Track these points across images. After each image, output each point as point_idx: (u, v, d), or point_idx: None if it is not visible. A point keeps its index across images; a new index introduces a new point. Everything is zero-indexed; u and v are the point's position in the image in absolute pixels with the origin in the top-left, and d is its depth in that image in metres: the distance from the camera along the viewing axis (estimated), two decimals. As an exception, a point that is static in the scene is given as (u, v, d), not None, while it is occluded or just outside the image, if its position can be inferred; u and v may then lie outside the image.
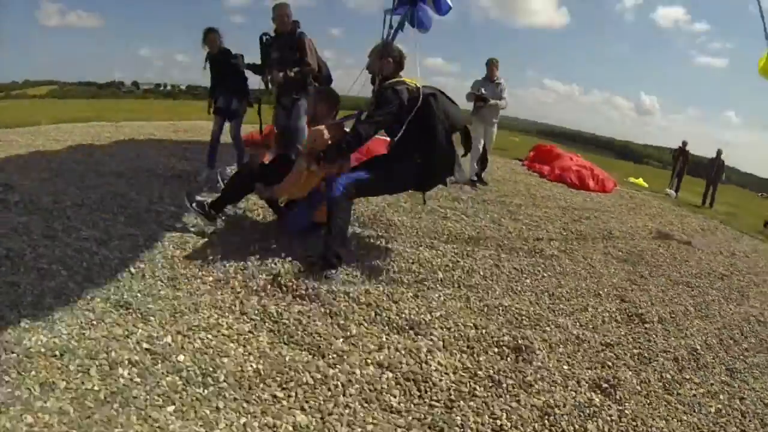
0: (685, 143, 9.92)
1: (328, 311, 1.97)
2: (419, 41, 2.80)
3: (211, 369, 1.53)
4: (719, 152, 9.05)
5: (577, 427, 1.55)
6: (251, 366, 1.58)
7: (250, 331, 1.79)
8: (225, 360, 1.59)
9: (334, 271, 2.24)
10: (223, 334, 1.74)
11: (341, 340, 1.81)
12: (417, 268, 2.55)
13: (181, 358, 1.55)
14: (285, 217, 2.72)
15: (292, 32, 3.48)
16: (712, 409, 1.86)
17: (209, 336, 1.71)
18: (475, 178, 4.96)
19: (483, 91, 4.91)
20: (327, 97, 2.73)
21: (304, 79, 3.46)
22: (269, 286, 2.11)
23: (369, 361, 1.70)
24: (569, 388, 1.75)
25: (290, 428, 1.36)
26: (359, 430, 1.39)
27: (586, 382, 1.81)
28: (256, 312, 1.91)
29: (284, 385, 1.51)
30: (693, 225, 5.41)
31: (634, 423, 1.63)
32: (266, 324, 1.85)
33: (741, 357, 2.34)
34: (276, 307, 1.94)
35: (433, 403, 1.55)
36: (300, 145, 3.12)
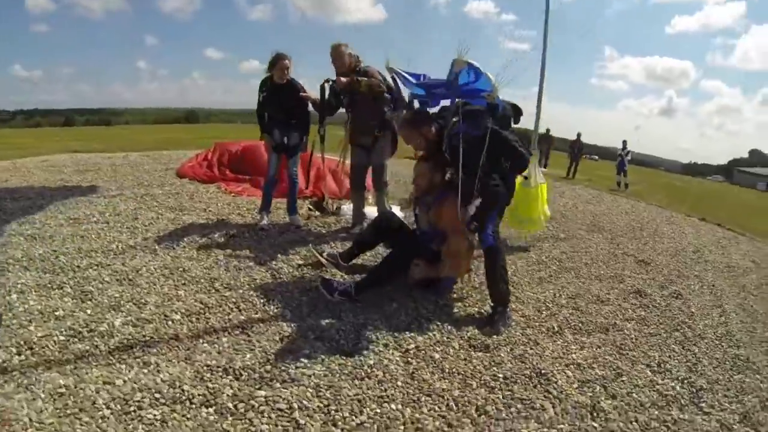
0: (548, 129, 14.06)
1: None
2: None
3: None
4: (579, 135, 13.73)
5: None
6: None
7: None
8: None
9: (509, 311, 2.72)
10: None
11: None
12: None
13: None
14: (434, 285, 2.94)
15: (354, 69, 3.57)
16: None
17: None
18: None
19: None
20: (416, 118, 2.83)
21: (377, 99, 3.55)
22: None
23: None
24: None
25: None
26: None
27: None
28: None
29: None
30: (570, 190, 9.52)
31: None
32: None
33: None
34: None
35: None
36: (384, 180, 3.81)
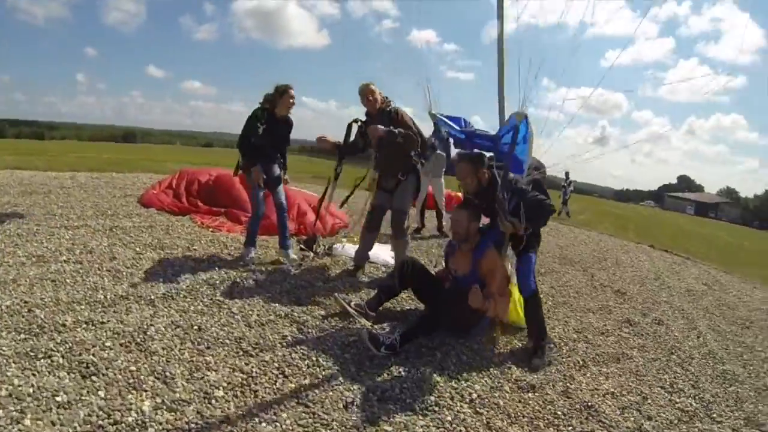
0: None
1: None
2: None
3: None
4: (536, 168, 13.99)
5: None
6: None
7: None
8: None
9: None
10: None
11: None
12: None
13: None
14: (473, 329, 3.24)
15: (384, 110, 3.80)
16: None
17: None
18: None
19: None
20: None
21: (411, 148, 3.77)
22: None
23: None
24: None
25: None
26: None
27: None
28: None
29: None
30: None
31: None
32: None
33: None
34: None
35: None
36: (404, 226, 3.97)
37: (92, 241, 4.17)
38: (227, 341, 2.69)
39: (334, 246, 4.75)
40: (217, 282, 3.57)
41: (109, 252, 3.94)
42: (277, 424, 2.05)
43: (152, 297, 3.14)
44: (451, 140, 3.42)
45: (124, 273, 3.52)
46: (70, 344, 2.37)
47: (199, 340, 2.67)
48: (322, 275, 4.12)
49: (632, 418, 2.67)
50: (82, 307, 2.86)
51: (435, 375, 2.73)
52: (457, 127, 3.28)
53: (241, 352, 2.59)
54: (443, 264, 3.60)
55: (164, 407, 2.02)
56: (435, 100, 3.02)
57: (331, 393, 2.38)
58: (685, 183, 63.06)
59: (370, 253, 4.25)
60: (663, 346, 3.97)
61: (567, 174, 14.63)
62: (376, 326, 3.19)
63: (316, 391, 2.38)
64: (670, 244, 10.15)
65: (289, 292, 3.59)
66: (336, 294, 3.35)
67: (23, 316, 2.62)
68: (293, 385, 2.39)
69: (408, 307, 3.69)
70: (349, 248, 4.67)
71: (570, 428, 2.45)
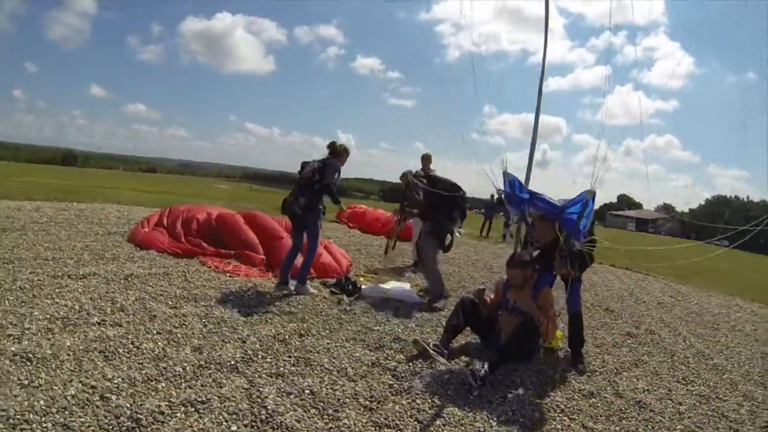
0: (463, 192, 17.07)
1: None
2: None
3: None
4: (492, 196, 15.95)
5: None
6: None
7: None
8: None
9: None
10: None
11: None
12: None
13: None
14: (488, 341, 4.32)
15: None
16: None
17: None
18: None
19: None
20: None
21: None
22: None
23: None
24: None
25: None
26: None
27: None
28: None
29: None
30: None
31: None
32: None
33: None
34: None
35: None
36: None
37: (117, 296, 4.28)
38: (346, 400, 3.03)
39: (363, 287, 5.64)
40: (286, 336, 3.95)
41: (143, 309, 4.07)
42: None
43: (232, 362, 3.30)
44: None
45: (179, 335, 3.63)
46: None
47: (322, 405, 2.92)
48: (369, 317, 4.83)
49: (670, 406, 3.76)
50: (163, 385, 2.85)
51: (528, 396, 3.60)
52: (522, 190, 4.23)
53: (362, 409, 2.97)
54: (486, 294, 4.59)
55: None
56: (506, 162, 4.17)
57: (469, 425, 3.03)
58: (625, 201, 70.47)
59: (392, 291, 5.49)
60: (663, 350, 5.24)
61: (492, 196, 16.39)
62: (451, 362, 3.97)
63: (459, 427, 2.99)
64: (627, 262, 11.95)
65: (356, 338, 4.19)
66: (416, 337, 4.05)
67: (100, 408, 2.48)
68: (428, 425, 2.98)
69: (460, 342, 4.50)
70: (372, 288, 5.57)
71: (634, 418, 3.46)
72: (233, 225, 6.54)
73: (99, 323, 3.62)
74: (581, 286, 4.44)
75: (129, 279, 4.81)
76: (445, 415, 3.08)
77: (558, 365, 4.29)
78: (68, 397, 2.50)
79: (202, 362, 3.21)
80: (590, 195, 3.73)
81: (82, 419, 2.35)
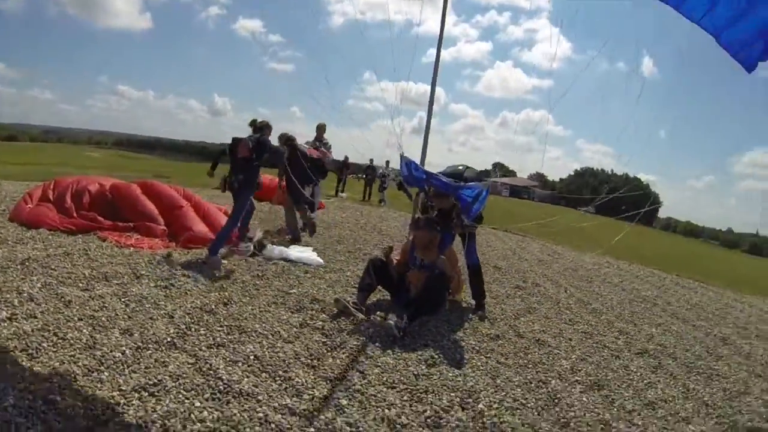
0: (347, 157, 18.42)
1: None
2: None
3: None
4: (371, 160, 17.76)
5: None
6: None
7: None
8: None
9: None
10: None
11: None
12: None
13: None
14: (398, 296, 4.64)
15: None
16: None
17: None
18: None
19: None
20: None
21: None
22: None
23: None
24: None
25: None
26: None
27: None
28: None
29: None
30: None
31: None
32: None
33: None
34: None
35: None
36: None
37: (20, 284, 3.83)
38: (289, 360, 3.21)
39: (267, 249, 5.87)
40: (212, 306, 3.95)
41: (55, 295, 3.73)
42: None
43: (168, 339, 3.25)
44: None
45: (103, 319, 3.40)
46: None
47: (270, 368, 3.06)
48: (281, 281, 4.96)
49: (563, 341, 4.43)
50: (106, 374, 2.72)
51: (444, 340, 3.98)
52: (418, 169, 4.62)
53: (306, 367, 3.17)
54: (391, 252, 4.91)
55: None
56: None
57: (403, 370, 3.32)
58: (500, 169, 76.56)
59: (295, 255, 5.84)
60: (549, 299, 6.10)
61: (387, 162, 17.28)
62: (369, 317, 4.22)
63: (395, 373, 3.26)
64: (506, 225, 13.20)
65: (276, 302, 4.32)
66: (337, 297, 4.31)
67: (48, 413, 2.31)
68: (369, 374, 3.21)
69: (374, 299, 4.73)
70: (277, 252, 5.87)
71: (537, 353, 4.00)
72: (129, 196, 6.37)
73: (10, 318, 3.27)
74: (476, 243, 5.01)
75: (27, 264, 4.39)
76: (380, 364, 3.35)
77: (464, 315, 4.78)
78: (8, 409, 2.26)
79: (138, 344, 3.12)
80: (486, 186, 4.40)
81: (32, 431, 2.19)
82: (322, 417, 2.61)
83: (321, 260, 5.86)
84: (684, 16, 4.12)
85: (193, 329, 3.48)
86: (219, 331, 3.53)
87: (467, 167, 5.18)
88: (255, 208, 5.97)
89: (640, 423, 3.20)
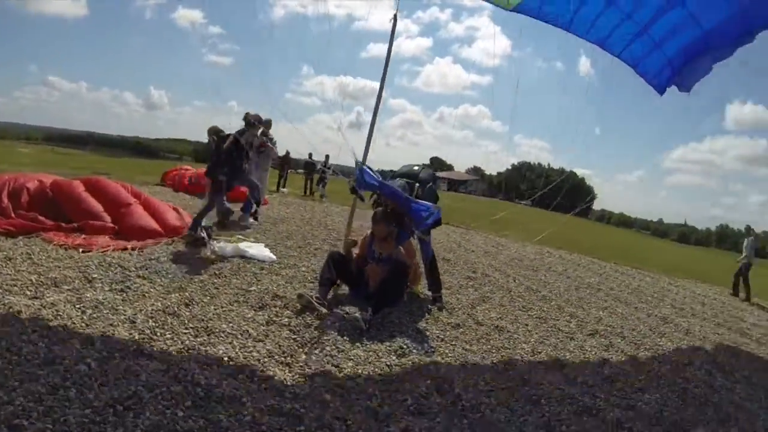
0: (288, 152, 18.61)
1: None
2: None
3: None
4: (310, 155, 17.38)
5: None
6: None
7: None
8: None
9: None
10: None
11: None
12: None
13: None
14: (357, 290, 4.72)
15: None
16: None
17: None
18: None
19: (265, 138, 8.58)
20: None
21: None
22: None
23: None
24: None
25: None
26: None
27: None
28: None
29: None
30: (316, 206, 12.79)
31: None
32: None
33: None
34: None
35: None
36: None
37: None
38: (264, 360, 3.18)
39: (220, 246, 5.70)
40: (175, 308, 3.78)
41: (5, 306, 3.41)
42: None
43: (134, 346, 3.08)
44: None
45: (59, 329, 3.15)
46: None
47: (247, 369, 3.03)
48: (239, 278, 4.86)
49: (520, 327, 4.73)
50: (74, 391, 2.50)
51: (409, 330, 4.11)
52: (374, 177, 4.80)
53: (282, 365, 3.17)
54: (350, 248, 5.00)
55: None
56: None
57: (376, 361, 3.40)
58: (437, 163, 78.19)
59: (249, 252, 5.71)
60: (501, 288, 6.49)
61: (327, 157, 17.25)
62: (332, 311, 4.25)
63: (369, 365, 3.33)
64: (448, 219, 13.58)
65: (238, 300, 4.22)
66: (301, 292, 4.31)
67: None
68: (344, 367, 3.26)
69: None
70: (232, 249, 5.71)
71: (497, 338, 4.24)
72: (72, 194, 6.02)
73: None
74: (430, 241, 5.23)
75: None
76: (353, 357, 3.43)
77: (423, 305, 4.94)
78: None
79: (103, 354, 2.90)
80: (436, 209, 4.72)
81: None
82: (311, 414, 2.62)
83: (273, 256, 5.85)
84: (607, 51, 5.19)
85: (158, 333, 3.34)
86: (186, 333, 3.41)
87: (423, 167, 5.38)
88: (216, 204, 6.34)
89: (601, 396, 3.51)
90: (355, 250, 5.03)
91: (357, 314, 4.01)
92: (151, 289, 4.18)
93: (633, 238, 40.39)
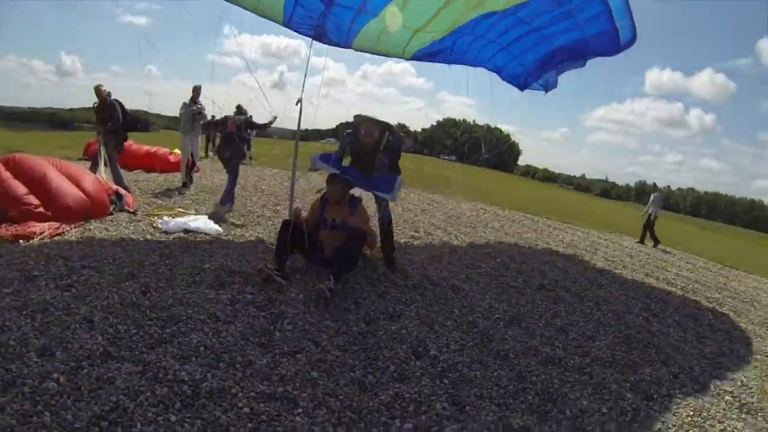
0: (214, 117, 19.52)
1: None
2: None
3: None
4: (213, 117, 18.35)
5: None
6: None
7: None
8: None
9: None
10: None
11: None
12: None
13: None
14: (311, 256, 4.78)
15: None
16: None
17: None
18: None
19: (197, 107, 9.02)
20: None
21: None
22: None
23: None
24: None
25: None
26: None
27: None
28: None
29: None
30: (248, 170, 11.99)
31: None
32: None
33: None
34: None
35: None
36: None
37: None
38: (240, 343, 3.11)
39: (163, 221, 5.69)
40: (132, 298, 3.55)
41: None
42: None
43: (100, 349, 2.84)
44: None
45: (11, 342, 2.82)
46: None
47: (226, 356, 2.94)
48: (190, 256, 4.71)
49: (474, 284, 5.06)
50: (48, 416, 2.28)
51: (372, 295, 4.25)
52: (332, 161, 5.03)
53: (260, 347, 3.12)
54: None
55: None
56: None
57: (348, 331, 3.49)
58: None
59: (193, 225, 5.65)
60: (445, 246, 6.60)
61: (250, 117, 16.91)
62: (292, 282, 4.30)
63: (342, 335, 3.41)
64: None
65: (195, 281, 4.07)
66: (260, 266, 4.30)
67: None
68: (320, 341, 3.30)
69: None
70: (174, 224, 5.60)
71: (454, 298, 4.51)
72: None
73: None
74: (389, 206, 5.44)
75: None
76: (325, 329, 3.48)
77: (377, 268, 5.09)
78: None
79: (69, 365, 2.64)
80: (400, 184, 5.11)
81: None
82: (304, 395, 2.65)
83: (219, 228, 5.77)
84: (476, 66, 6.67)
85: (122, 331, 3.07)
86: (151, 325, 3.20)
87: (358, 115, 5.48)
88: None
89: (560, 346, 3.87)
90: (304, 214, 5.03)
91: (321, 285, 4.04)
92: (101, 280, 3.84)
93: (557, 193, 42.87)
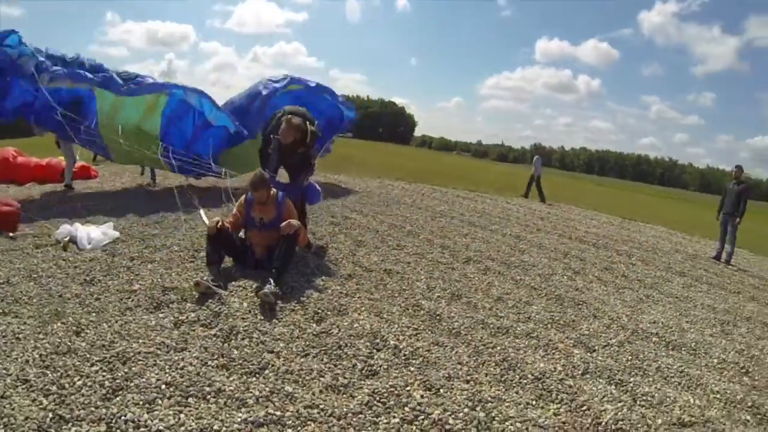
0: None
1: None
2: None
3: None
4: None
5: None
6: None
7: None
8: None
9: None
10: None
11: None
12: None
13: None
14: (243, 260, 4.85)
15: None
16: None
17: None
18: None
19: None
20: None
21: None
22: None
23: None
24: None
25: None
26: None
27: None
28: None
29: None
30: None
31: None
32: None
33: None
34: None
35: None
36: None
37: None
38: (201, 370, 3.00)
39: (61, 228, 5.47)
40: (67, 342, 3.25)
41: None
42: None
43: (51, 415, 2.53)
44: None
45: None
46: None
47: (193, 388, 2.85)
48: (119, 277, 4.46)
49: (406, 267, 5.27)
50: None
51: (312, 292, 4.30)
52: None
53: (219, 366, 3.08)
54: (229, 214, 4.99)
55: None
56: None
57: (302, 334, 3.55)
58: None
59: (80, 235, 5.42)
60: (366, 229, 7.00)
61: None
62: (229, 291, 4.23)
63: (298, 340, 3.46)
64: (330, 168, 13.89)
65: (130, 307, 3.88)
66: (198, 279, 4.17)
67: None
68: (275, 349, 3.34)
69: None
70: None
71: (392, 282, 4.79)
72: None
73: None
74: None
75: None
76: (278, 336, 3.52)
77: (307, 260, 5.17)
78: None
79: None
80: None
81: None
82: (288, 413, 2.65)
83: (116, 233, 5.58)
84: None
85: (66, 386, 2.74)
86: (98, 372, 2.90)
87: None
88: None
89: (502, 315, 4.25)
90: (227, 220, 4.96)
91: (264, 290, 4.07)
92: (24, 326, 3.43)
93: (457, 161, 44.85)
